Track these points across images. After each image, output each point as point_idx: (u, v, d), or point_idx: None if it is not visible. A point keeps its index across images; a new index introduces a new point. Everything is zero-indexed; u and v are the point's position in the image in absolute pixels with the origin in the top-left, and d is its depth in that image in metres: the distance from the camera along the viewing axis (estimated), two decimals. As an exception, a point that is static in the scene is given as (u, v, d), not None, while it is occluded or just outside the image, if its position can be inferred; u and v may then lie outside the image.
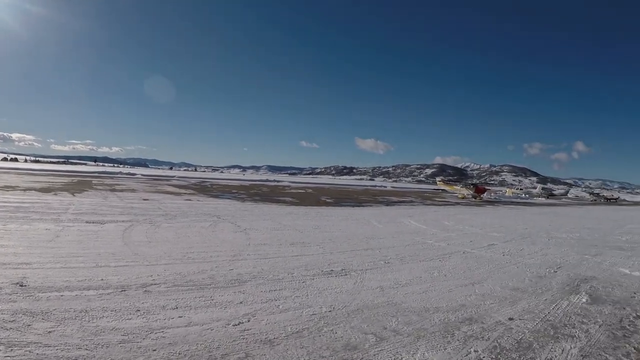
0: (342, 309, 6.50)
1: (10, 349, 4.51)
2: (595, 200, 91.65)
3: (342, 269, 9.21)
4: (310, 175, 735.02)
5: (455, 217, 25.58)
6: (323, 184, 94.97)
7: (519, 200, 67.86)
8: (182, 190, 36.91)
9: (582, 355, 5.22)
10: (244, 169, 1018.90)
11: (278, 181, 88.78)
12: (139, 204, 21.30)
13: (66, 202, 20.25)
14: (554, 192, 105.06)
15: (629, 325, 6.53)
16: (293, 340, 5.16)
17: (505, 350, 5.23)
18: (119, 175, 68.69)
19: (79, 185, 35.82)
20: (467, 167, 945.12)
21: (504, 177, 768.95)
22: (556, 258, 12.19)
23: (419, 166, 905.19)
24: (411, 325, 5.94)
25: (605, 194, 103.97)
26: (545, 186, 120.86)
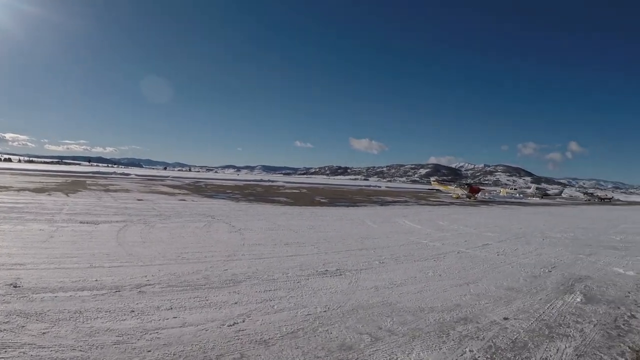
0: (337, 309, 6.50)
1: (4, 350, 4.50)
2: (589, 200, 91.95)
3: (337, 269, 9.21)
4: (305, 175, 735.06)
5: (449, 217, 25.63)
6: (317, 184, 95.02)
7: (513, 200, 68.08)
8: (176, 191, 36.85)
9: (577, 355, 5.23)
10: (238, 169, 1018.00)
11: (272, 181, 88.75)
12: (133, 204, 21.24)
13: (60, 202, 20.17)
14: (548, 192, 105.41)
15: (623, 324, 6.56)
16: (288, 341, 5.16)
17: (500, 350, 5.23)
18: (112, 176, 68.50)
19: (73, 185, 35.70)
20: (462, 167, 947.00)
21: (498, 177, 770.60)
22: (550, 258, 12.23)
23: (413, 166, 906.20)
24: (406, 325, 5.94)
25: (599, 194, 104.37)
26: (540, 186, 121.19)
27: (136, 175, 76.87)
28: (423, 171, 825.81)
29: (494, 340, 5.53)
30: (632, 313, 7.17)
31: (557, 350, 5.34)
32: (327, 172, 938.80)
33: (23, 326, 5.09)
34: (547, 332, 5.97)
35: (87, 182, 43.52)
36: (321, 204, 30.68)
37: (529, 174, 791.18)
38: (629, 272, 10.68)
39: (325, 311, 6.38)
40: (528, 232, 18.83)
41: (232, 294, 7.00)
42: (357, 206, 30.82)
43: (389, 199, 45.61)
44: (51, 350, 4.53)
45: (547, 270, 10.38)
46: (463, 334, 5.72)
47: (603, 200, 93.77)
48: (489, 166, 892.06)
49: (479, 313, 6.71)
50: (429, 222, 21.31)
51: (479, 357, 5.02)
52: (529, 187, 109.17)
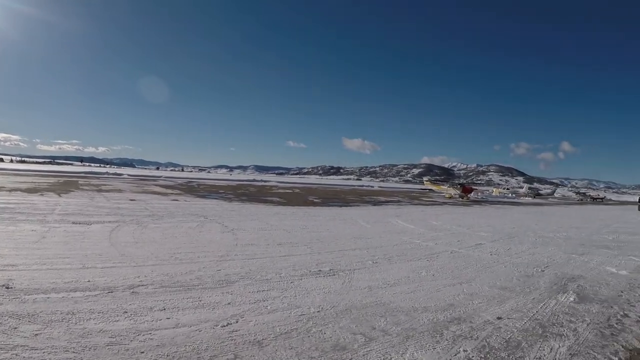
0: (331, 309, 6.50)
1: (-4, 351, 4.48)
2: (581, 200, 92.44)
3: (330, 269, 9.21)
4: (298, 175, 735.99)
5: (442, 216, 25.69)
6: (310, 184, 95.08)
7: (505, 199, 68.38)
8: (169, 191, 36.79)
9: (570, 354, 5.25)
10: (231, 169, 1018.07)
11: (265, 181, 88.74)
12: (126, 205, 21.17)
13: (52, 202, 20.08)
14: (540, 191, 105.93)
15: (616, 323, 6.58)
16: (282, 341, 5.15)
17: (494, 350, 5.25)
18: (105, 176, 68.28)
19: (66, 185, 35.57)
20: (454, 167, 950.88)
21: (490, 176, 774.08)
22: (543, 257, 12.27)
23: (406, 166, 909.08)
24: (400, 325, 5.95)
25: (591, 194, 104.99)
26: (532, 186, 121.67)
27: (129, 175, 76.68)
28: (416, 171, 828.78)
29: (487, 340, 5.54)
30: (625, 312, 7.20)
31: (551, 349, 5.36)
32: (320, 172, 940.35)
33: (15, 328, 5.06)
34: (540, 332, 5.99)
35: (80, 182, 43.34)
36: (314, 204, 30.70)
37: (522, 174, 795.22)
38: (622, 272, 10.73)
39: (318, 311, 6.38)
40: (521, 232, 18.88)
41: (225, 294, 6.99)
42: (350, 206, 30.86)
43: (382, 198, 45.71)
44: (44, 352, 4.51)
45: (540, 270, 10.41)
46: (457, 334, 5.73)
47: (595, 200, 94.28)
48: (481, 166, 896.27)
49: (472, 313, 6.73)
50: (421, 221, 21.35)
51: (472, 356, 5.03)
52: (521, 187, 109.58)
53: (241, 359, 4.67)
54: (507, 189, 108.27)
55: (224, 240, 12.18)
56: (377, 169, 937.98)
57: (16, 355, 4.42)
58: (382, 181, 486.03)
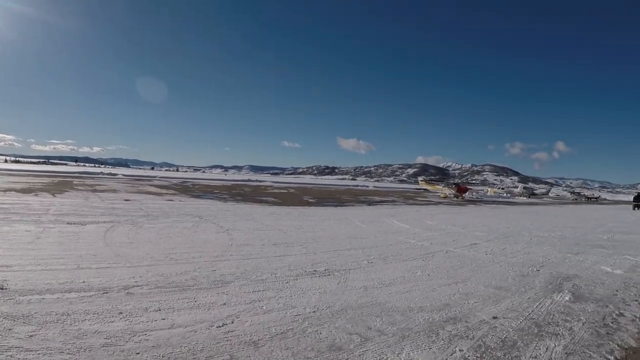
0: (326, 310, 6.49)
1: (-10, 353, 4.46)
2: (576, 200, 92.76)
3: (326, 269, 9.20)
4: (293, 175, 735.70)
5: (437, 216, 25.74)
6: (305, 183, 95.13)
7: (500, 199, 68.51)
8: (164, 191, 36.75)
9: (566, 353, 5.26)
10: (226, 169, 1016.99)
11: (260, 181, 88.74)
12: (121, 205, 21.15)
13: (47, 203, 20.04)
14: (535, 191, 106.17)
15: (612, 322, 6.60)
16: (278, 342, 5.14)
17: (490, 349, 5.25)
18: (100, 176, 68.20)
19: (60, 185, 35.49)
20: (449, 166, 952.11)
21: (485, 176, 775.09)
22: (538, 257, 12.29)
23: (401, 166, 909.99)
24: (395, 325, 5.94)
25: (586, 193, 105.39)
26: (527, 185, 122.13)
27: (123, 175, 76.58)
28: (411, 171, 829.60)
29: (483, 340, 5.54)
30: (621, 311, 7.22)
31: (547, 348, 5.37)
32: (315, 172, 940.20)
33: (10, 329, 5.04)
34: (536, 331, 6.00)
35: (74, 182, 43.28)
36: (309, 204, 30.75)
37: (516, 174, 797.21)
38: (617, 271, 10.76)
39: (314, 311, 6.37)
40: (516, 232, 18.92)
41: (220, 294, 6.98)
42: (345, 206, 30.91)
43: (377, 198, 45.80)
44: (39, 353, 4.49)
45: (535, 269, 10.43)
46: (452, 334, 5.73)
47: (590, 200, 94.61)
48: (476, 166, 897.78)
49: (468, 312, 6.73)
50: (416, 221, 21.38)
51: (468, 356, 5.03)
52: (516, 187, 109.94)
53: (237, 359, 4.66)
54: (502, 188, 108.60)
55: (219, 240, 12.16)
56: (372, 168, 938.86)
57: (11, 356, 4.40)
58: (377, 181, 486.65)
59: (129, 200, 24.63)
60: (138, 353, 4.66)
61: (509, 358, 5.04)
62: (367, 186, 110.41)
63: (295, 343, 5.14)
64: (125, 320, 5.55)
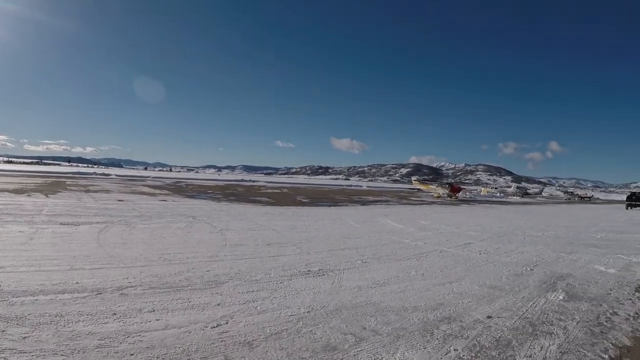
0: (321, 310, 6.49)
1: (-17, 355, 4.44)
2: (569, 199, 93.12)
3: (320, 269, 9.20)
4: (286, 175, 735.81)
5: (431, 216, 25.79)
6: (299, 183, 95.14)
7: (494, 199, 68.75)
8: (157, 191, 36.66)
9: (560, 352, 5.27)
10: (219, 169, 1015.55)
11: (254, 181, 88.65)
12: (114, 205, 21.09)
13: (40, 203, 19.95)
14: (528, 191, 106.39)
15: (606, 321, 6.62)
16: (272, 342, 5.14)
17: (484, 349, 5.26)
18: (93, 176, 67.98)
19: (53, 186, 35.34)
20: (443, 166, 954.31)
21: (478, 176, 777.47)
22: (532, 256, 12.33)
23: (394, 166, 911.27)
24: (390, 325, 5.95)
25: (579, 193, 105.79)
26: (520, 185, 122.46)
27: (116, 175, 76.37)
28: (404, 171, 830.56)
29: (478, 339, 5.55)
30: (614, 310, 7.24)
31: (541, 347, 5.38)
32: (309, 171, 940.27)
33: (3, 331, 5.01)
34: (530, 330, 6.01)
35: (67, 182, 43.11)
36: (303, 204, 30.77)
37: (510, 173, 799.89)
38: (610, 270, 10.80)
39: (308, 312, 6.37)
40: (509, 231, 18.98)
41: (214, 295, 6.96)
42: (339, 206, 30.94)
43: (371, 198, 45.86)
44: (32, 355, 4.47)
45: (529, 269, 10.46)
46: (447, 333, 5.73)
47: (583, 199, 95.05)
48: (469, 165, 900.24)
49: (462, 312, 6.74)
50: (410, 221, 21.42)
51: (463, 355, 5.04)
52: (509, 186, 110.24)
53: (231, 360, 4.66)
54: (496, 188, 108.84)
55: (213, 240, 12.14)
56: (365, 168, 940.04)
57: (5, 358, 4.38)
58: (371, 181, 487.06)
59: (122, 200, 24.56)
60: (132, 354, 4.64)
61: (504, 357, 5.05)
62: (361, 186, 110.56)
63: (290, 343, 5.13)
64: (119, 321, 5.53)
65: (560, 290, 8.37)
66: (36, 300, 6.17)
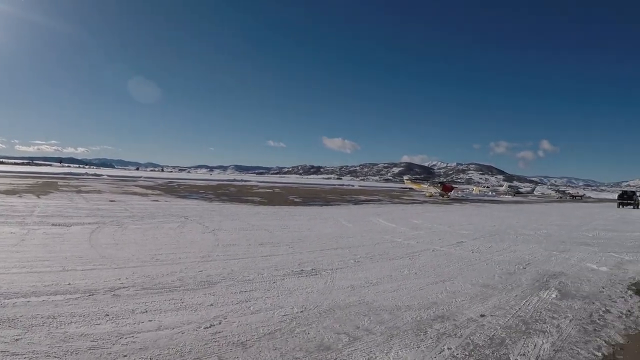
0: (314, 309, 6.49)
1: (-25, 358, 4.41)
2: (561, 198, 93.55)
3: (313, 269, 9.20)
4: (278, 175, 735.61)
5: (423, 215, 25.85)
6: (291, 183, 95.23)
7: (485, 198, 69.01)
8: (149, 191, 36.56)
9: (554, 350, 5.29)
10: (211, 169, 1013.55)
11: (245, 181, 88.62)
12: (106, 206, 21.02)
13: (31, 204, 19.85)
14: (520, 190, 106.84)
15: (599, 319, 6.66)
16: (266, 342, 5.13)
17: (478, 347, 5.27)
18: (84, 177, 67.71)
19: (44, 187, 35.17)
20: (434, 165, 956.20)
21: (470, 175, 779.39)
22: (525, 255, 12.38)
23: (386, 165, 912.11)
24: (383, 324, 5.95)
25: (570, 192, 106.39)
26: (512, 184, 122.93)
27: (108, 176, 76.14)
28: (396, 170, 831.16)
29: (471, 338, 5.57)
30: (607, 308, 7.28)
31: (535, 346, 5.40)
32: (300, 171, 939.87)
33: (-5, 332, 4.99)
34: (524, 328, 6.04)
35: (59, 183, 42.91)
36: (295, 204, 30.78)
37: (501, 172, 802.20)
38: (602, 268, 10.85)
39: (302, 311, 6.37)
40: (501, 230, 19.06)
41: (207, 295, 6.95)
42: (331, 205, 30.97)
43: (363, 197, 45.92)
44: (25, 357, 4.45)
45: (521, 267, 10.50)
46: (440, 332, 5.75)
47: (575, 198, 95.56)
48: (461, 164, 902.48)
49: (455, 310, 6.76)
50: (403, 220, 21.46)
51: (457, 354, 5.05)
52: (501, 185, 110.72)
53: (225, 360, 4.65)
54: (487, 187, 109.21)
55: (205, 240, 12.12)
56: (357, 168, 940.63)
57: (-4, 361, 4.37)
58: (363, 180, 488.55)
59: (114, 201, 24.49)
60: (125, 355, 4.63)
61: (497, 356, 5.06)
62: (353, 185, 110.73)
63: (284, 343, 5.13)
64: (112, 323, 5.51)
65: (553, 289, 8.41)
66: (28, 301, 6.14)
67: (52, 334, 5.05)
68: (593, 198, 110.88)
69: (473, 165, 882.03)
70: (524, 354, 5.13)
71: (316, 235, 14.40)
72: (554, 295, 7.91)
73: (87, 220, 15.09)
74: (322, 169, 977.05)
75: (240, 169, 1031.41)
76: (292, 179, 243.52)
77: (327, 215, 22.55)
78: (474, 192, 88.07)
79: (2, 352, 4.53)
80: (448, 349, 5.18)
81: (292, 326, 5.71)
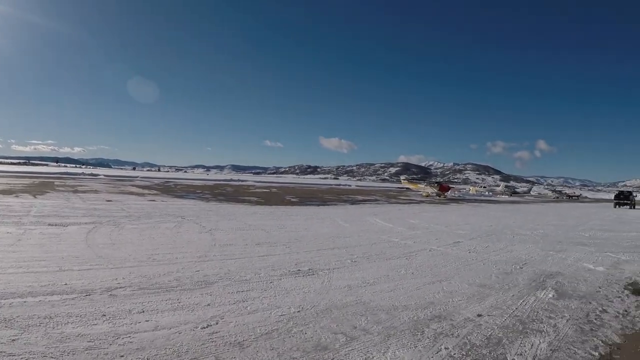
0: (311, 309, 6.48)
1: (-28, 358, 4.40)
2: (557, 198, 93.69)
3: (309, 269, 9.20)
4: (275, 175, 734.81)
5: (420, 215, 25.87)
6: (288, 183, 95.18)
7: (482, 198, 69.03)
8: (146, 191, 36.52)
9: (551, 350, 5.30)
10: (208, 168, 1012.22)
11: (242, 181, 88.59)
12: (102, 206, 20.99)
13: (28, 204, 19.82)
14: (517, 190, 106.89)
15: (595, 319, 6.67)
16: (263, 342, 5.13)
17: (475, 347, 5.28)
18: (81, 176, 67.58)
19: (41, 186, 35.10)
20: (431, 165, 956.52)
21: (467, 175, 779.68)
22: (521, 254, 12.39)
23: (383, 165, 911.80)
24: (381, 324, 5.96)
25: (567, 192, 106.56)
26: (508, 184, 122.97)
27: (105, 175, 76.02)
28: (393, 170, 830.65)
29: (468, 337, 5.57)
30: (604, 308, 7.30)
31: (532, 345, 5.41)
32: (297, 171, 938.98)
33: (-9, 333, 4.98)
34: (520, 328, 6.05)
35: (55, 183, 42.84)
36: (292, 204, 30.79)
37: (498, 172, 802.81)
38: (599, 268, 10.87)
39: (299, 311, 6.37)
40: (498, 230, 19.07)
41: (204, 295, 6.94)
42: (328, 205, 30.99)
43: (360, 197, 45.96)
44: (21, 358, 4.44)
45: (518, 267, 10.51)
46: (438, 332, 5.75)
47: (571, 198, 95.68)
48: (458, 164, 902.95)
49: (452, 310, 6.76)
50: (399, 220, 21.47)
51: (454, 354, 5.05)
52: (498, 185, 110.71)
53: (222, 360, 4.64)
54: (484, 187, 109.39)
55: (202, 240, 12.12)
56: (354, 168, 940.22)
57: (-7, 361, 4.36)
58: (360, 180, 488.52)
59: (110, 200, 24.46)
60: (122, 356, 4.62)
61: (495, 355, 5.07)
62: (350, 185, 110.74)
63: (281, 343, 5.13)
64: (109, 323, 5.50)
65: (549, 289, 8.42)
66: (25, 302, 6.13)
67: (48, 334, 5.05)
68: (589, 198, 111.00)
69: (470, 165, 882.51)
70: (521, 354, 5.14)
71: (313, 235, 14.39)
72: (550, 295, 7.92)
73: (84, 220, 15.06)
74: (319, 169, 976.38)
75: (237, 168, 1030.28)
76: (289, 178, 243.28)
77: (324, 215, 22.55)
78: (470, 192, 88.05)
79: (-2, 352, 4.53)
80: (445, 348, 5.19)
81: (289, 326, 5.71)
